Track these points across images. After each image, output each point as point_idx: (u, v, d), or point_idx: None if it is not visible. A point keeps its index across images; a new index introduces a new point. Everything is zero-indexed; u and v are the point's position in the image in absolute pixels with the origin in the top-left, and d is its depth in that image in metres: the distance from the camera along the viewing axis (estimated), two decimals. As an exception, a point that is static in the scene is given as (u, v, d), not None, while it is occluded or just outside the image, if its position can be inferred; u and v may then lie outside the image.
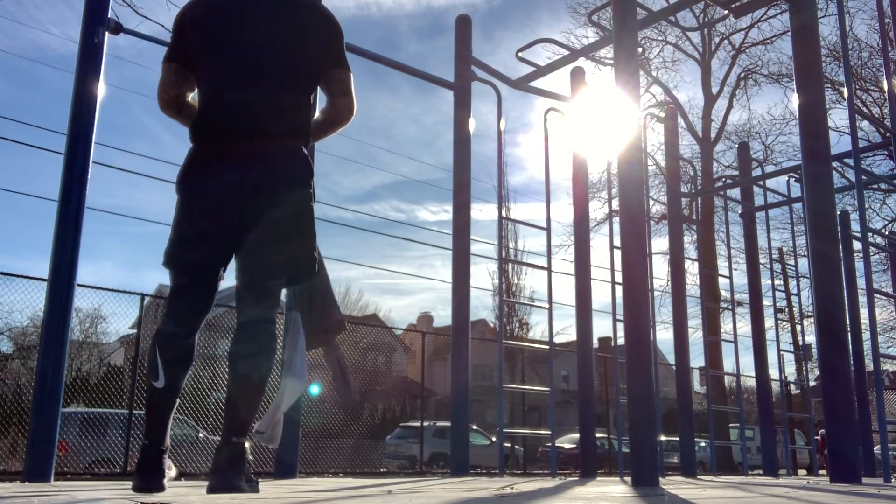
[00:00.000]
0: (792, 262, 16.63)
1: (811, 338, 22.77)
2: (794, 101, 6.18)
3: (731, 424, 18.61)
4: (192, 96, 2.71)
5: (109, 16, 5.24)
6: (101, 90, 5.08)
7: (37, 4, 45.74)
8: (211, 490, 2.43)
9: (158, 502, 2.17)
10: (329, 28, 2.69)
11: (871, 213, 19.73)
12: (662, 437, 10.62)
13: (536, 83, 8.52)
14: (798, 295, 11.91)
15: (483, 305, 57.55)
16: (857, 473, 5.31)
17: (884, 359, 6.82)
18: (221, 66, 2.58)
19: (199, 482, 4.39)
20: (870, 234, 6.70)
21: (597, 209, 21.11)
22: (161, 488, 2.43)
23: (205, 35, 2.61)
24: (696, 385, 22.48)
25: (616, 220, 6.38)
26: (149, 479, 2.40)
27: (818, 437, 14.69)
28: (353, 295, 44.02)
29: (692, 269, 17.97)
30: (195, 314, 2.56)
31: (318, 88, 2.72)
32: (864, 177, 7.01)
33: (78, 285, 5.01)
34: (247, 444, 2.55)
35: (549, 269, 7.89)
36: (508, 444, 18.33)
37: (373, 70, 73.17)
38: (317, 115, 2.74)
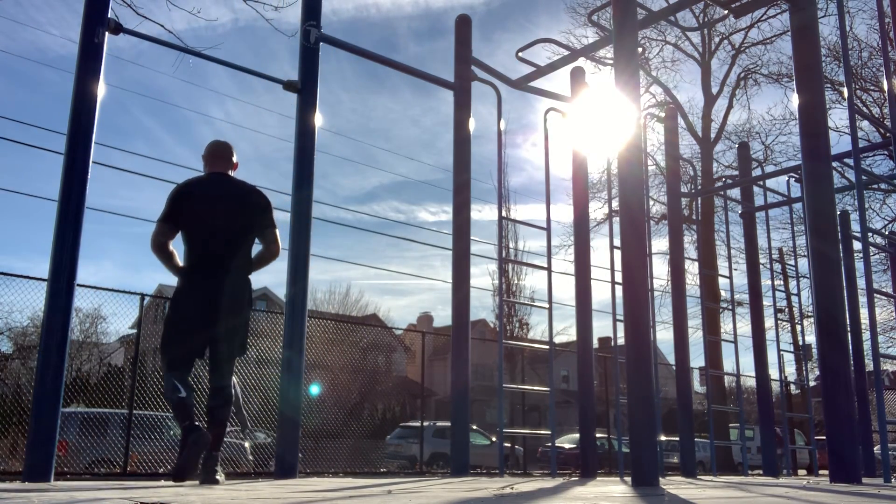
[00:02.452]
0: (792, 262, 16.63)
1: (811, 338, 22.80)
2: (794, 101, 6.18)
3: (731, 424, 18.61)
4: (171, 244, 4.33)
5: (109, 16, 5.24)
6: (101, 90, 5.08)
7: (36, 6, 45.76)
8: (201, 483, 3.89)
9: (158, 502, 2.19)
10: (261, 203, 4.38)
11: (871, 213, 19.72)
12: (662, 437, 10.62)
13: (536, 83, 8.52)
14: (798, 295, 11.90)
15: (483, 305, 57.53)
16: (857, 473, 5.31)
17: (884, 359, 6.82)
18: (201, 230, 4.23)
19: (199, 482, 4.39)
20: (870, 234, 6.70)
21: (597, 209, 21.12)
22: (207, 441, 4.00)
23: (191, 209, 4.24)
24: (696, 385, 22.48)
25: (616, 220, 6.38)
26: (200, 435, 3.93)
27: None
28: (353, 295, 44.04)
29: (692, 269, 17.99)
30: (188, 373, 4.18)
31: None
32: (864, 177, 7.00)
33: (78, 285, 5.00)
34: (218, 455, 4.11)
35: (549, 269, 7.89)
36: (508, 444, 18.32)
37: (372, 71, 73.33)
38: (257, 252, 4.39)
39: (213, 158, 4.43)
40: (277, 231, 4.38)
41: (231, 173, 4.50)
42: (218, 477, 4.04)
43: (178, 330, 4.10)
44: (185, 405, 3.93)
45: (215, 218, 4.20)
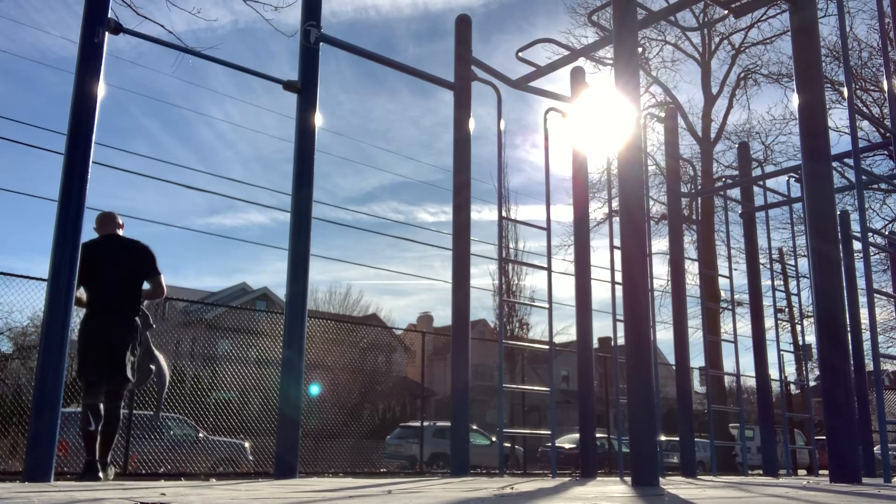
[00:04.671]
0: (792, 262, 16.63)
1: (811, 338, 22.77)
2: (794, 101, 6.18)
3: (731, 424, 18.61)
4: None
5: (109, 16, 5.24)
6: (101, 90, 5.08)
7: (36, 7, 45.80)
8: (87, 480, 4.79)
9: (158, 502, 2.18)
10: (149, 257, 5.39)
11: (871, 213, 19.67)
12: (662, 437, 10.62)
13: (536, 83, 8.52)
14: (798, 295, 11.90)
15: (483, 305, 57.55)
16: (857, 473, 5.31)
17: (884, 359, 6.82)
18: (99, 280, 5.17)
19: (198, 482, 4.40)
20: (870, 234, 6.70)
21: (597, 209, 21.08)
22: (98, 479, 4.87)
23: (92, 265, 5.10)
24: (696, 385, 22.47)
25: (616, 220, 6.38)
26: (94, 475, 4.87)
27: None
28: (354, 295, 44.00)
29: (692, 269, 17.96)
30: (100, 394, 5.09)
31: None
32: (864, 177, 7.00)
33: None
34: (109, 459, 5.12)
35: (549, 269, 7.89)
36: (508, 444, 18.32)
37: (371, 72, 73.30)
38: (146, 287, 5.40)
39: (104, 224, 5.45)
40: (162, 277, 5.46)
41: (119, 232, 5.50)
42: (100, 474, 4.95)
43: (87, 362, 5.06)
44: (92, 438, 4.91)
45: (113, 270, 5.20)
